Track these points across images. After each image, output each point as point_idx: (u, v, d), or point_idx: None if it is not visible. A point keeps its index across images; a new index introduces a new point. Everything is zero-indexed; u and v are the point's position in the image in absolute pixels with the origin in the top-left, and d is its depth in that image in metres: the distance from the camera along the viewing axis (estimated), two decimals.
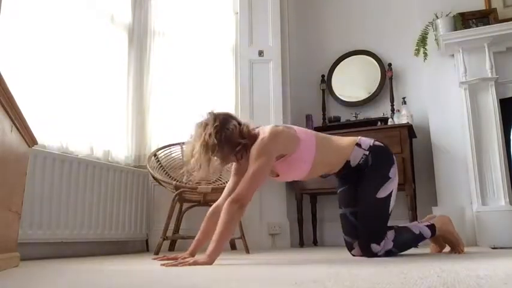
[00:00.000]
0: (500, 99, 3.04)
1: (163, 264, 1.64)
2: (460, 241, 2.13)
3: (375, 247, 1.92)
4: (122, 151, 3.23)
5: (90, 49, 3.05)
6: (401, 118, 3.37)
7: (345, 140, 2.02)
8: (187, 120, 3.55)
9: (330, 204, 3.62)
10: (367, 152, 1.97)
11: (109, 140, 3.11)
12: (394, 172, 1.99)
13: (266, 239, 3.51)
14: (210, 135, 1.75)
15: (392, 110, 3.52)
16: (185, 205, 3.16)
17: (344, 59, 3.92)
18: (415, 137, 3.43)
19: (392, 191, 1.98)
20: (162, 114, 3.52)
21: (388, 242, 1.94)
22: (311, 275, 1.18)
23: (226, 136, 1.77)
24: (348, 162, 1.98)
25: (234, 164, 1.97)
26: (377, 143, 2.03)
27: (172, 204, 2.80)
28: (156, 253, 2.69)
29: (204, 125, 1.81)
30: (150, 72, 3.53)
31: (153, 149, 3.29)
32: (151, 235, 3.29)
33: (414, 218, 2.98)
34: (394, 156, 2.05)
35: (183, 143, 3.33)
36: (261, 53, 3.61)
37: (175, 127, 3.51)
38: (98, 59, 3.10)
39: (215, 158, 1.80)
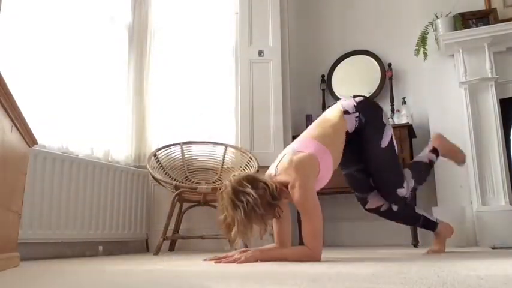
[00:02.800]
0: (500, 99, 3.04)
1: (217, 262, 1.69)
2: (459, 150, 2.28)
3: (401, 191, 1.98)
4: (122, 151, 3.23)
5: (90, 49, 3.05)
6: (401, 118, 3.37)
7: (335, 118, 1.96)
8: (187, 120, 3.57)
9: (330, 204, 3.61)
10: (356, 113, 1.96)
11: (109, 140, 3.11)
12: (385, 116, 2.03)
13: (266, 239, 3.50)
14: (251, 206, 1.64)
15: (392, 110, 3.51)
16: (185, 205, 3.16)
17: (344, 59, 3.92)
18: (415, 137, 3.43)
19: (392, 135, 2.01)
20: (162, 114, 3.52)
21: (410, 181, 2.02)
22: (311, 275, 1.18)
23: (264, 205, 1.67)
24: (347, 132, 1.98)
25: None
26: (357, 98, 2.02)
27: (172, 204, 2.80)
28: (156, 253, 2.69)
29: (238, 194, 1.67)
30: (150, 72, 3.53)
31: (153, 149, 3.29)
32: (151, 235, 3.29)
33: None
34: (377, 102, 2.12)
35: (183, 143, 3.34)
36: (261, 53, 3.61)
37: (175, 127, 3.52)
38: (98, 58, 3.10)
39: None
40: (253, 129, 3.47)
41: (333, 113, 2.00)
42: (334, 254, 2.10)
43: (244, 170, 3.22)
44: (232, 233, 1.66)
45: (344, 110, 1.96)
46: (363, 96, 2.06)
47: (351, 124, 1.96)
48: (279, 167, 1.85)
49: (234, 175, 1.73)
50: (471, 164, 2.98)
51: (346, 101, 2.02)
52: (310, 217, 1.75)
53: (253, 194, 1.63)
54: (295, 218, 3.31)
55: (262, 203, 1.65)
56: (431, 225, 2.19)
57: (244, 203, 1.62)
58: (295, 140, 1.99)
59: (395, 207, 2.08)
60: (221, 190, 1.73)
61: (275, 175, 1.82)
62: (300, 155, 1.82)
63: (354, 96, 2.03)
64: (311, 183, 1.80)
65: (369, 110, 1.99)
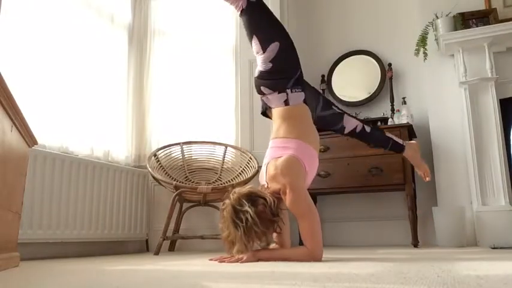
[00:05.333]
0: (500, 99, 3.04)
1: (221, 262, 1.72)
2: (424, 164, 2.29)
3: None
4: (122, 151, 3.23)
5: (90, 49, 3.05)
6: (401, 118, 3.37)
7: (286, 111, 1.93)
8: (187, 120, 3.56)
9: (330, 205, 3.62)
10: (287, 91, 1.92)
11: (109, 140, 3.11)
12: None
13: None
14: (250, 225, 1.64)
15: (393, 110, 3.51)
16: (185, 205, 3.16)
17: (344, 59, 3.92)
18: (415, 136, 3.43)
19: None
20: (162, 114, 3.53)
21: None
22: (311, 275, 1.18)
23: (264, 222, 1.68)
24: (305, 100, 1.98)
25: None
26: (266, 90, 1.97)
27: (172, 204, 2.80)
28: (156, 253, 2.69)
29: (237, 213, 1.67)
30: (150, 72, 3.53)
31: (153, 149, 3.29)
32: (151, 235, 3.29)
33: (414, 218, 2.98)
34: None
35: (183, 143, 3.34)
36: None
37: (175, 127, 3.52)
38: (98, 59, 3.10)
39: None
40: (253, 129, 3.48)
41: (281, 111, 1.96)
42: (334, 254, 2.10)
43: (244, 170, 3.22)
44: (234, 250, 1.70)
45: (286, 103, 1.93)
46: (257, 80, 2.00)
47: (297, 97, 1.93)
48: (267, 177, 1.86)
49: (234, 192, 1.74)
50: (471, 164, 2.98)
51: (274, 102, 1.96)
52: (306, 218, 1.75)
53: (252, 213, 1.64)
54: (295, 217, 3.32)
55: (262, 221, 1.66)
56: (399, 147, 2.25)
57: (244, 222, 1.64)
58: (270, 147, 1.96)
59: (368, 128, 2.17)
60: (222, 208, 1.75)
61: (267, 187, 1.83)
62: (282, 159, 1.82)
63: (262, 93, 2.00)
64: (300, 184, 1.80)
65: (278, 76, 1.94)
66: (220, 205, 3.08)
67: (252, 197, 1.70)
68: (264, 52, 1.92)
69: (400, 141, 2.26)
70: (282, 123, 1.93)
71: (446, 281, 0.95)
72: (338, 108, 2.20)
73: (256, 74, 2.00)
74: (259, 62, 1.96)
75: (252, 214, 1.64)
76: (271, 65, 1.92)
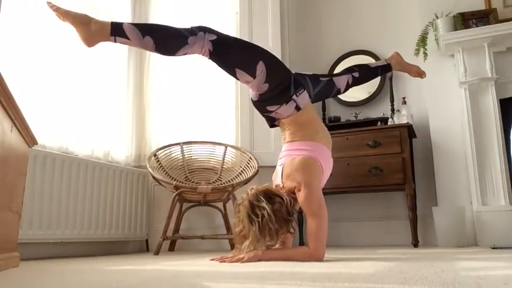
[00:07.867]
0: (500, 99, 3.04)
1: (222, 262, 1.72)
2: (414, 65, 2.42)
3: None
4: (122, 151, 3.23)
5: (90, 49, 3.04)
6: (401, 118, 3.37)
7: (296, 117, 1.94)
8: (187, 120, 3.57)
9: (330, 205, 3.62)
10: (293, 97, 1.90)
11: (109, 140, 3.11)
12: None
13: None
14: (265, 221, 1.66)
15: (393, 110, 3.51)
16: (185, 205, 3.16)
17: (344, 59, 3.92)
18: (415, 137, 3.43)
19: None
20: (162, 114, 3.52)
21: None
22: (311, 275, 1.18)
23: (279, 221, 1.70)
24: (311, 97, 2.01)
25: None
26: (269, 107, 1.95)
27: (172, 204, 2.80)
28: (156, 253, 2.69)
29: (254, 208, 1.69)
30: (150, 72, 3.53)
31: (153, 149, 3.30)
32: (151, 235, 3.29)
33: (414, 218, 2.98)
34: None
35: (183, 143, 3.35)
36: None
37: (175, 127, 3.52)
38: (97, 59, 3.10)
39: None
40: (253, 129, 3.48)
41: (293, 117, 1.96)
42: (334, 254, 2.10)
43: (244, 170, 3.22)
44: (243, 245, 1.70)
45: (297, 108, 1.92)
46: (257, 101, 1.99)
47: (304, 98, 1.93)
48: (283, 176, 1.88)
49: (252, 188, 1.76)
50: (471, 164, 2.98)
51: (286, 113, 1.94)
52: (316, 217, 1.76)
53: (268, 209, 1.67)
54: (296, 218, 3.31)
55: (277, 219, 1.68)
56: (387, 68, 2.32)
57: (260, 217, 1.66)
58: (286, 149, 1.97)
59: (356, 74, 2.21)
60: (239, 202, 1.76)
61: (283, 186, 1.85)
62: (299, 158, 1.85)
63: (266, 108, 1.97)
64: (315, 183, 1.81)
65: (275, 91, 1.90)
66: (220, 205, 3.10)
67: (270, 195, 1.73)
68: (255, 78, 1.85)
69: (384, 63, 2.34)
70: (297, 128, 1.95)
71: (446, 281, 0.95)
72: (324, 76, 2.18)
73: (254, 98, 1.96)
74: (254, 87, 1.91)
75: (269, 211, 1.66)
76: (267, 85, 1.87)
